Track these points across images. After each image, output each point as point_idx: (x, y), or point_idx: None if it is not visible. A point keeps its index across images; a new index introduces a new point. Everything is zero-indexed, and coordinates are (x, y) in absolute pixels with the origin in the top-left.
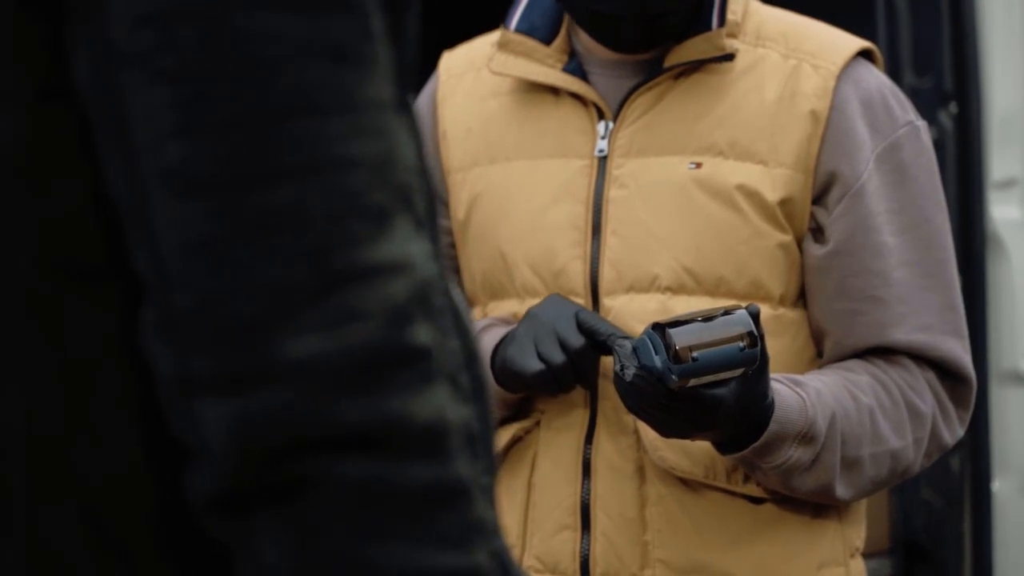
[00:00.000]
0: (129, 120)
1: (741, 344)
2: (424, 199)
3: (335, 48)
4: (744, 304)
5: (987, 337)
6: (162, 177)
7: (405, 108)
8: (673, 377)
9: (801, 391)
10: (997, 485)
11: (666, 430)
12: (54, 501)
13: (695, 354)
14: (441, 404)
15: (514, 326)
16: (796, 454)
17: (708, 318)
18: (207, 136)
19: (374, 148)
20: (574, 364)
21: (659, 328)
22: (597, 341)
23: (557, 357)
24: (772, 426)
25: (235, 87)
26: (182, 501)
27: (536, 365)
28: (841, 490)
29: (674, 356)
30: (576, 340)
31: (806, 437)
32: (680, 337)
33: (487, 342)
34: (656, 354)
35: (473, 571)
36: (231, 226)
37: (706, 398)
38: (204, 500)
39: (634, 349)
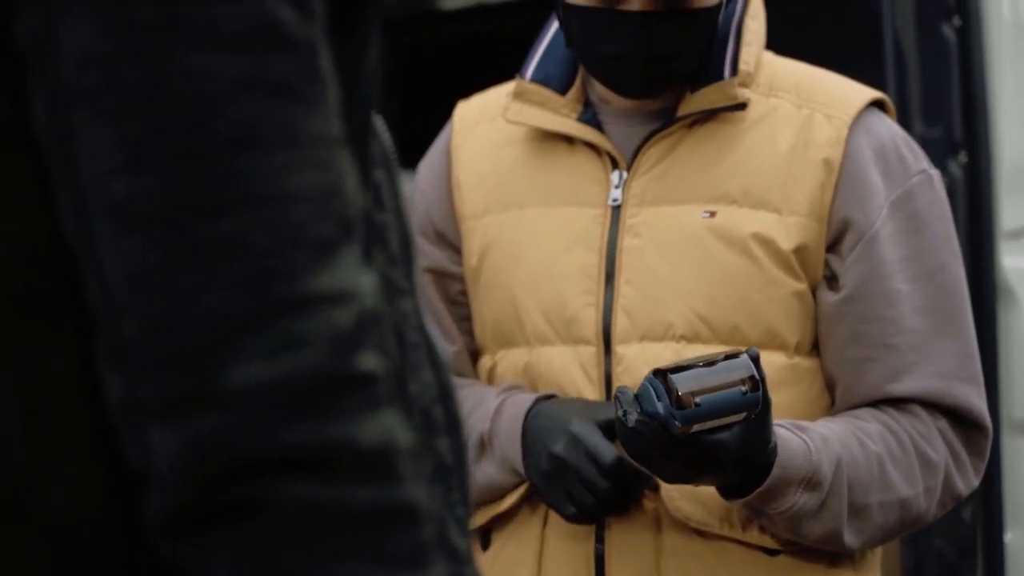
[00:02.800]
0: (78, 157)
1: (743, 388)
2: (400, 238)
3: (277, 85)
4: (744, 349)
5: (999, 387)
6: (108, 211)
7: (361, 143)
8: (676, 423)
9: (805, 436)
10: (1010, 536)
11: (669, 476)
12: (19, 524)
13: (698, 399)
14: (388, 428)
15: (531, 396)
16: (801, 500)
17: (710, 363)
18: (150, 171)
19: (318, 181)
20: (605, 502)
21: (660, 374)
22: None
23: (588, 499)
24: (775, 470)
25: (177, 124)
26: (142, 526)
27: (570, 510)
28: (849, 538)
29: (677, 401)
30: (602, 483)
31: (811, 483)
32: (682, 383)
33: (513, 414)
34: (659, 400)
35: None
36: (174, 257)
37: (708, 443)
38: (157, 524)
39: (636, 396)
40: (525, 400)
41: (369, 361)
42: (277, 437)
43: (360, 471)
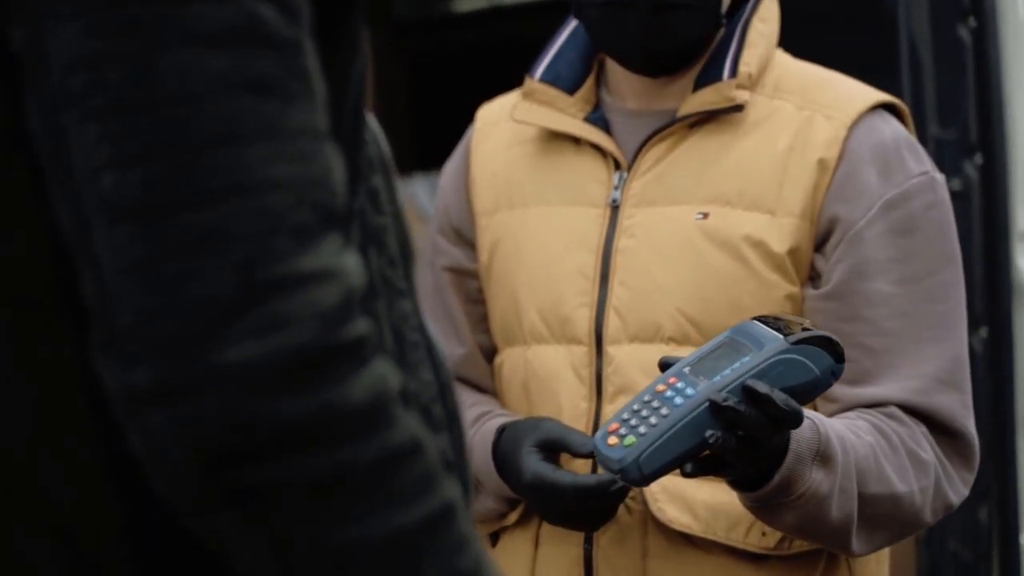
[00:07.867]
0: (69, 156)
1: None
2: (398, 240)
3: (258, 81)
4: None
5: (1014, 389)
6: (98, 206)
7: (352, 148)
8: (833, 380)
9: (808, 413)
10: None
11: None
12: (27, 519)
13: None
14: (379, 376)
15: (493, 429)
16: (817, 477)
17: (809, 328)
18: (135, 166)
19: (299, 171)
20: (592, 517)
21: (803, 341)
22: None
23: (575, 519)
24: (792, 445)
25: (159, 120)
26: (146, 515)
27: (566, 525)
28: (856, 537)
29: (840, 357)
30: (582, 508)
31: (823, 456)
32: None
33: (483, 450)
34: (816, 365)
35: (446, 508)
36: (160, 247)
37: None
38: (174, 509)
39: (771, 377)
40: (489, 434)
41: (358, 328)
42: (271, 413)
43: (358, 430)
